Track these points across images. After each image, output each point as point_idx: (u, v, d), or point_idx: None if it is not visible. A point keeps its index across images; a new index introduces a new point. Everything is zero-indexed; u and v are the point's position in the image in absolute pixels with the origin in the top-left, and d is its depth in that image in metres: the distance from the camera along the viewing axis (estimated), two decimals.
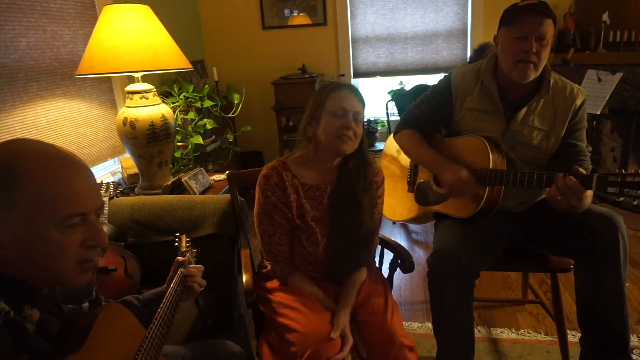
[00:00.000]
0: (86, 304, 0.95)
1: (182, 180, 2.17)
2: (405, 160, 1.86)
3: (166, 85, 3.03)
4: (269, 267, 1.44)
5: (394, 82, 4.13)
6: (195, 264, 1.21)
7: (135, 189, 2.28)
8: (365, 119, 3.86)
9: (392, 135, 1.86)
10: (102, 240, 0.80)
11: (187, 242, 1.27)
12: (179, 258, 1.17)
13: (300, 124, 1.43)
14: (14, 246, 0.74)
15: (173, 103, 2.87)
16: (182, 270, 1.13)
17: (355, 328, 1.31)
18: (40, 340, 0.76)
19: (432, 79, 3.97)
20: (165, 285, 1.14)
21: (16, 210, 0.72)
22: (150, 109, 2.10)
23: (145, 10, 2.02)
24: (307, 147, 1.43)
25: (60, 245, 0.76)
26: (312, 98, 1.41)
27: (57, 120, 2.16)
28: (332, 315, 1.30)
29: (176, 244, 1.26)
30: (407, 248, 1.54)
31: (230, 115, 3.20)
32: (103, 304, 1.02)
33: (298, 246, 1.41)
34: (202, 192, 2.22)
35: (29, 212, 0.73)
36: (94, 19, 2.39)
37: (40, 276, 0.78)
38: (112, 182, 1.89)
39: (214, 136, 3.29)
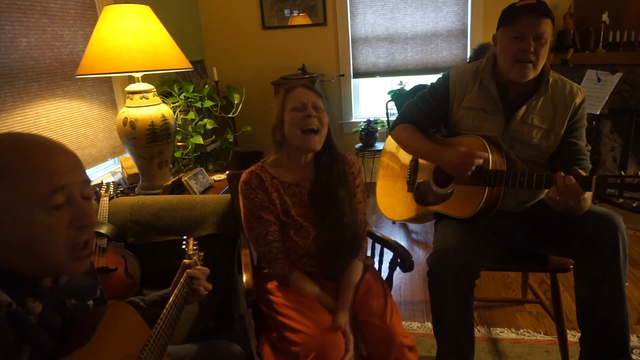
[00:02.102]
0: (90, 302, 0.96)
1: (182, 180, 2.17)
2: (405, 158, 1.86)
3: (166, 85, 3.03)
4: (268, 270, 1.45)
5: (394, 82, 4.13)
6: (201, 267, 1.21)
7: (135, 189, 2.28)
8: (365, 119, 3.89)
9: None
10: (89, 220, 0.80)
11: (194, 245, 1.27)
12: (186, 261, 1.17)
13: (271, 131, 1.49)
14: (1, 235, 0.74)
15: (173, 103, 2.87)
16: (188, 271, 1.13)
17: (355, 326, 1.32)
18: (43, 333, 0.77)
19: (432, 79, 3.96)
20: (170, 288, 1.14)
21: None
22: (151, 109, 2.11)
23: (145, 10, 2.02)
24: (279, 151, 1.50)
25: (47, 228, 0.75)
26: (273, 108, 1.48)
27: (58, 120, 2.16)
28: (332, 315, 1.31)
29: (183, 246, 1.26)
30: (407, 248, 1.55)
31: (230, 115, 3.21)
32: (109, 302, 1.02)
33: (288, 241, 1.43)
34: (202, 192, 2.22)
35: (9, 195, 0.73)
36: (94, 19, 2.40)
37: (34, 264, 0.77)
38: (112, 182, 1.90)
39: (214, 136, 3.29)
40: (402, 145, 1.79)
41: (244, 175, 1.47)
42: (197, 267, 1.17)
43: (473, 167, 1.48)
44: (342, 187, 1.46)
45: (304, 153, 1.45)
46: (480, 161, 1.48)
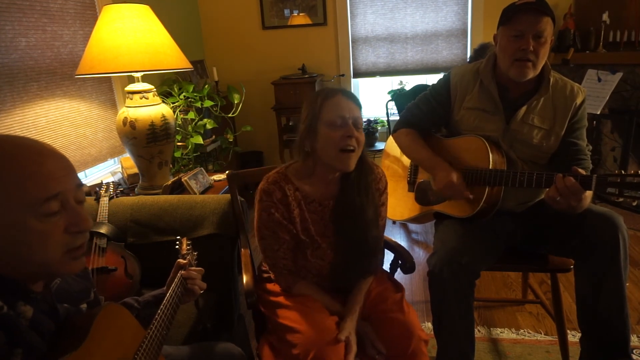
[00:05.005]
0: (84, 306, 0.95)
1: (182, 180, 2.17)
2: (406, 160, 1.86)
3: (166, 85, 3.03)
4: (272, 276, 1.43)
5: (394, 82, 4.14)
6: (196, 266, 1.21)
7: (135, 189, 2.28)
8: (365, 119, 3.89)
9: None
10: (85, 225, 0.79)
11: (187, 244, 1.26)
12: (180, 261, 1.16)
13: (296, 138, 1.34)
14: None
15: (173, 103, 2.86)
16: (183, 272, 1.13)
17: (371, 326, 1.31)
18: (34, 336, 0.76)
19: (432, 79, 3.98)
20: (165, 287, 1.14)
21: None
22: (150, 109, 2.10)
23: (145, 10, 2.02)
24: (306, 160, 1.33)
25: (42, 235, 0.74)
26: (305, 109, 1.31)
27: (57, 120, 2.16)
28: (338, 318, 1.29)
29: (177, 246, 1.25)
30: (407, 248, 1.54)
31: (230, 115, 3.20)
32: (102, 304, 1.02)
33: (303, 260, 1.36)
34: (202, 192, 2.22)
35: (2, 202, 0.72)
36: (94, 18, 2.39)
37: (29, 268, 0.77)
38: (112, 182, 1.89)
39: (214, 136, 3.29)
40: (402, 149, 1.80)
41: (265, 184, 1.34)
42: (192, 267, 1.17)
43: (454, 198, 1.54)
44: (371, 207, 1.35)
45: (335, 171, 1.33)
46: (465, 196, 1.51)
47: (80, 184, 0.82)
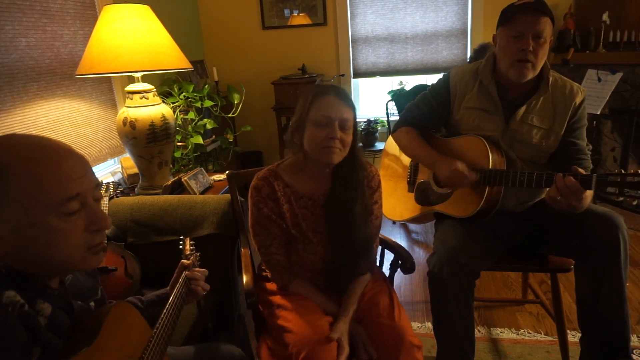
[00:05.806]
0: (92, 303, 0.96)
1: (182, 180, 2.17)
2: (406, 159, 1.86)
3: (166, 85, 3.03)
4: (269, 274, 1.43)
5: (394, 82, 4.13)
6: (199, 267, 1.21)
7: (135, 189, 2.28)
8: (365, 119, 3.89)
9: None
10: (104, 223, 0.81)
11: (191, 245, 1.27)
12: (184, 261, 1.17)
13: (288, 130, 1.37)
14: (17, 240, 0.74)
15: (173, 103, 2.86)
16: (187, 273, 1.13)
17: (363, 329, 1.30)
18: (51, 335, 0.77)
19: (432, 79, 3.97)
20: (169, 288, 1.14)
21: (10, 203, 0.73)
22: (150, 109, 2.10)
23: (145, 10, 2.02)
24: (297, 153, 1.37)
25: (63, 233, 0.76)
26: (298, 103, 1.35)
27: (57, 120, 2.16)
28: (332, 319, 1.29)
29: (180, 246, 1.26)
30: (407, 248, 1.54)
31: (230, 115, 3.20)
32: (107, 303, 1.02)
33: (295, 255, 1.38)
34: (202, 192, 2.22)
35: (22, 203, 0.73)
36: (94, 18, 2.39)
37: (49, 265, 0.78)
38: (112, 182, 1.89)
39: (214, 136, 3.29)
40: (402, 148, 1.80)
41: (255, 180, 1.39)
42: (196, 268, 1.17)
43: (462, 186, 1.53)
44: (360, 203, 1.36)
45: (323, 164, 1.35)
46: (468, 184, 1.52)
47: (98, 183, 0.84)
